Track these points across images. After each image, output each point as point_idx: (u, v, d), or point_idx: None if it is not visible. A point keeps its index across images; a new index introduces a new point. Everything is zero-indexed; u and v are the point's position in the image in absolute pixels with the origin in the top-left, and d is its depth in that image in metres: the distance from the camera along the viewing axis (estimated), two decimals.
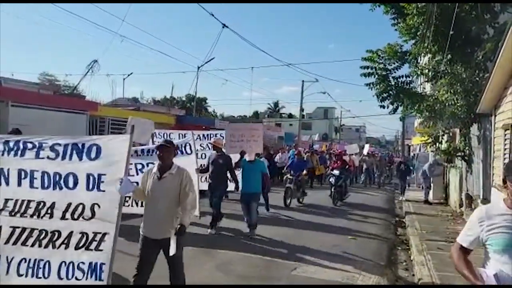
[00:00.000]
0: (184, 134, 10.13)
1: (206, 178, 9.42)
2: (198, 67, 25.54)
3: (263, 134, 8.81)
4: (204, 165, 9.21)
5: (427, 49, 10.71)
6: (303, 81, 35.21)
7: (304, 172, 13.39)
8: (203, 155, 9.93)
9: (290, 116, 66.84)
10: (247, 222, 8.47)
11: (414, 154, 25.69)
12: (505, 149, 7.21)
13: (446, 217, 11.60)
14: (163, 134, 10.74)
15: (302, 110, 39.55)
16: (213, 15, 16.97)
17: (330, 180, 13.78)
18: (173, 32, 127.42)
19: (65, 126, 12.72)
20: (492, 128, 8.43)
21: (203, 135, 10.80)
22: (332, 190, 13.42)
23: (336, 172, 13.66)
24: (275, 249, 7.42)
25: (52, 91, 18.48)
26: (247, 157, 9.07)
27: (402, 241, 9.05)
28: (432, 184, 15.03)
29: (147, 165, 6.79)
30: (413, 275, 6.51)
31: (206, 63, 25.18)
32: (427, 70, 11.24)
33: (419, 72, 11.35)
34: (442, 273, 6.21)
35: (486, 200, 8.80)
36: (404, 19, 11.06)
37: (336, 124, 66.77)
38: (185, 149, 7.90)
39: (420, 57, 11.92)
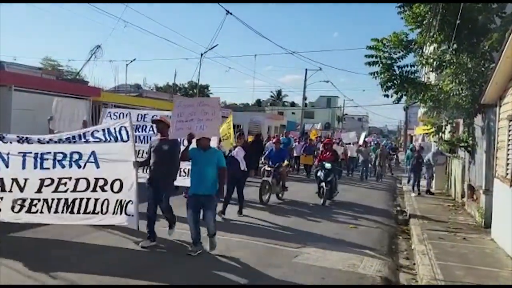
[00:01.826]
0: (144, 115, 8.78)
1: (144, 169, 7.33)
2: (201, 54, 25.39)
3: (220, 111, 6.51)
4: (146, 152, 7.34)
5: (433, 38, 10.61)
6: (306, 69, 35.12)
7: (285, 162, 11.67)
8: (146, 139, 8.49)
9: (293, 104, 66.70)
10: (193, 238, 6.15)
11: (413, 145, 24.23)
12: (509, 140, 7.18)
13: (448, 207, 11.63)
14: (119, 114, 8.97)
15: (305, 98, 39.49)
16: (217, 2, 16.78)
17: (318, 174, 11.66)
18: (176, 18, 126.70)
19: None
20: (496, 119, 8.38)
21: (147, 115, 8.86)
22: (322, 186, 11.36)
23: (327, 165, 11.49)
24: (277, 236, 7.45)
25: (55, 76, 18.50)
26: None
27: (403, 231, 9.09)
28: (434, 174, 15.02)
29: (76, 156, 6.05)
30: (414, 264, 6.54)
31: (209, 50, 24.99)
32: (432, 60, 11.13)
33: (424, 62, 11.25)
34: (443, 262, 6.24)
35: (488, 191, 8.80)
36: (410, 7, 10.94)
37: (339, 113, 66.59)
38: (119, 134, 6.20)
39: (426, 47, 11.81)
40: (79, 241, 6.46)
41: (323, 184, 11.26)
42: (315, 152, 17.80)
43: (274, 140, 13.37)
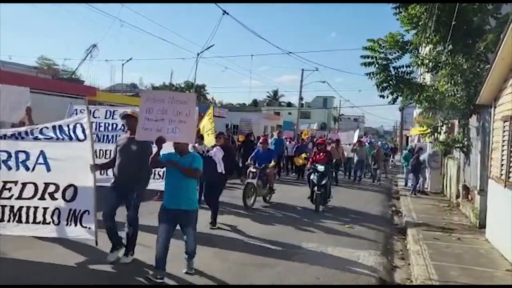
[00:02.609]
0: (113, 112, 8.03)
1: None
2: (198, 54, 25.48)
3: (196, 110, 5.61)
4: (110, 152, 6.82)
5: (429, 39, 10.65)
6: (302, 69, 35.21)
7: (272, 163, 10.77)
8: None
9: (289, 104, 66.82)
10: (156, 260, 4.94)
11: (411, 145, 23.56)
12: (503, 141, 7.21)
13: (443, 208, 11.67)
14: (80, 111, 7.85)
15: (301, 99, 39.53)
16: (214, 2, 16.79)
17: (311, 178, 10.61)
18: (173, 18, 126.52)
19: (63, 111, 12.68)
20: (491, 119, 8.41)
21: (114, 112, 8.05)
22: (315, 191, 10.37)
23: (320, 167, 10.55)
24: (273, 237, 7.45)
25: (50, 75, 18.43)
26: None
27: (399, 231, 9.11)
28: (429, 175, 15.08)
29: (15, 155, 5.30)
30: (409, 264, 6.56)
31: (205, 49, 25.12)
32: (427, 61, 11.17)
33: (419, 62, 11.29)
34: (437, 262, 6.26)
35: (483, 191, 8.84)
36: (406, 8, 10.97)
37: (335, 113, 66.74)
38: (74, 132, 5.39)
39: (421, 47, 11.85)
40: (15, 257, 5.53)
41: (315, 188, 10.33)
42: (308, 154, 16.67)
43: (261, 140, 12.47)
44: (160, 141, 4.97)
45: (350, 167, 19.14)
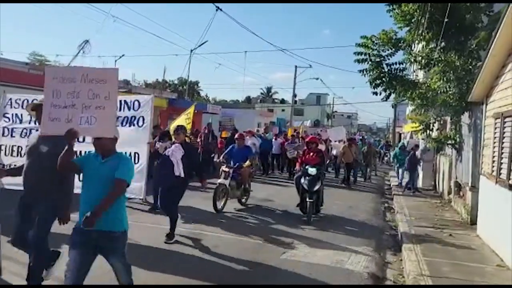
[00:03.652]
0: (23, 101, 6.88)
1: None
2: (191, 50, 25.39)
3: (117, 92, 3.90)
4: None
5: (421, 36, 10.70)
6: (296, 66, 35.20)
7: (247, 162, 9.61)
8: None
9: (283, 101, 66.84)
10: None
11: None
12: (495, 138, 7.27)
13: (434, 204, 11.75)
14: (23, 102, 6.93)
15: (294, 95, 39.55)
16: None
17: (301, 182, 8.96)
18: (166, 14, 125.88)
19: None
20: (483, 116, 8.47)
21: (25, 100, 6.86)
22: (305, 198, 8.78)
23: (311, 170, 8.96)
24: (265, 233, 7.46)
25: (42, 72, 18.25)
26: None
27: (391, 227, 9.16)
28: (421, 171, 15.17)
29: None
30: (401, 260, 6.60)
31: (199, 46, 25.05)
32: (420, 58, 11.22)
33: (412, 59, 11.33)
34: (429, 258, 6.30)
35: (474, 187, 8.91)
36: (399, 6, 11.00)
37: (329, 110, 66.90)
38: None
39: (414, 44, 11.89)
40: None
41: (306, 195, 8.79)
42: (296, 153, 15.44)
43: (236, 136, 10.65)
44: (70, 136, 3.55)
45: (339, 167, 17.77)
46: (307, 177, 8.91)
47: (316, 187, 8.80)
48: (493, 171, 7.20)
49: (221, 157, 10.06)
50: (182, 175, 6.81)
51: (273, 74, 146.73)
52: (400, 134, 41.04)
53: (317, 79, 44.60)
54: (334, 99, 59.17)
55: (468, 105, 9.79)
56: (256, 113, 37.47)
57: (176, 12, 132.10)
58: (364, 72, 11.35)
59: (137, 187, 6.37)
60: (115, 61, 30.30)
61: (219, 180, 9.22)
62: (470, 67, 10.06)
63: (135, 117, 6.73)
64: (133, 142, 6.47)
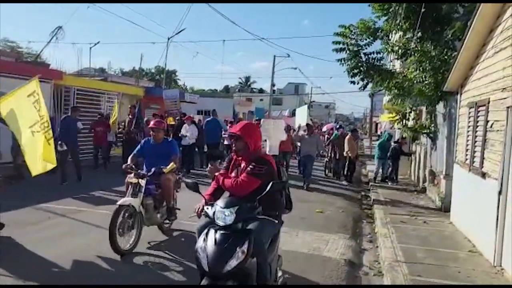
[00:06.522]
0: None
1: None
2: (168, 38, 24.94)
3: None
4: None
5: (399, 26, 10.78)
6: (274, 56, 35.09)
7: (171, 165, 6.00)
8: None
9: (261, 91, 66.77)
10: None
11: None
12: (469, 127, 7.40)
13: (410, 192, 11.96)
14: None
15: (273, 85, 39.52)
16: None
17: (201, 251, 3.34)
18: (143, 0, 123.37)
19: None
20: (457, 106, 8.62)
21: None
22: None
23: (227, 212, 3.37)
24: None
25: (14, 58, 17.69)
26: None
27: (367, 215, 9.29)
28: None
29: None
30: (377, 247, 6.70)
31: (176, 34, 24.65)
32: (397, 47, 11.31)
33: (389, 49, 11.40)
34: (404, 245, 6.42)
35: (448, 176, 9.09)
36: None
37: (307, 100, 67.13)
38: None
39: (392, 34, 11.98)
40: None
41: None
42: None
43: (151, 124, 6.62)
44: None
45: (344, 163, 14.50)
46: (216, 234, 3.34)
47: (235, 263, 3.14)
48: (466, 159, 7.35)
49: (129, 160, 6.25)
50: None
51: (252, 64, 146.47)
52: (377, 124, 41.62)
53: (295, 68, 44.72)
54: (312, 88, 59.19)
55: (443, 94, 9.93)
56: (234, 102, 37.26)
57: None
58: (342, 61, 11.38)
59: None
60: (90, 48, 29.56)
61: (121, 201, 5.52)
62: (446, 57, 10.18)
63: None
64: None
